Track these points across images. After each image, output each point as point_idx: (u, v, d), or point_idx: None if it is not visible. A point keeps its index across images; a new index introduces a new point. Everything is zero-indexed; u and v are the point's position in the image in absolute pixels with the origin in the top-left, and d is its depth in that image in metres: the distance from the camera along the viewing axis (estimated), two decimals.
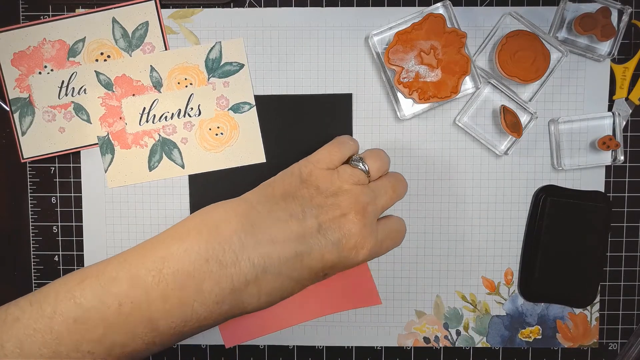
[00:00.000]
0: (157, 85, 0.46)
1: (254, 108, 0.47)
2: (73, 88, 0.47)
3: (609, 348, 0.48)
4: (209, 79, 0.46)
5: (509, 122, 0.44)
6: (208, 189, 0.47)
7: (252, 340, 0.48)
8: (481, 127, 0.47)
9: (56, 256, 0.49)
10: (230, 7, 0.47)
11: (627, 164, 0.47)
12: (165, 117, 0.47)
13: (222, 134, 0.47)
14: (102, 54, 0.46)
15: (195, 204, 0.48)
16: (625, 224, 0.48)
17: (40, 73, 0.46)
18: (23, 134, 0.47)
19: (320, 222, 0.37)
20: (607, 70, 0.46)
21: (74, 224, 0.48)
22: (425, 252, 0.48)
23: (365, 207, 0.37)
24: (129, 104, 0.47)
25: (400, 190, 0.41)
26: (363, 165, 0.39)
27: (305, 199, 0.37)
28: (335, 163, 0.39)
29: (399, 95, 0.46)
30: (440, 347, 0.49)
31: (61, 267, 0.49)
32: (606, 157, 0.47)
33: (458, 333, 0.48)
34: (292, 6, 0.47)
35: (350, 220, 0.37)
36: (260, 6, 0.47)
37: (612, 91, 0.47)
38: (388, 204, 0.40)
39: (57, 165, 0.48)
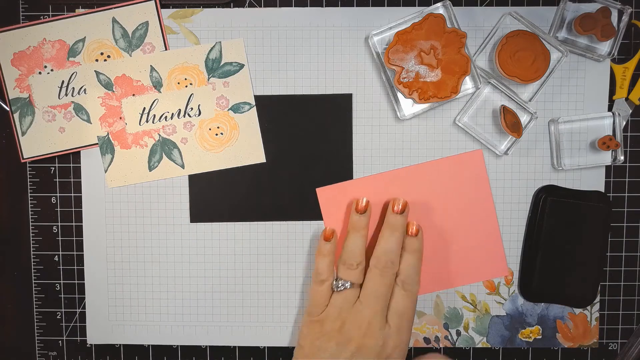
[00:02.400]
0: (157, 85, 0.46)
1: (254, 108, 0.47)
2: (73, 88, 0.47)
3: (609, 348, 0.48)
4: (208, 79, 0.46)
5: (509, 122, 0.44)
6: (208, 189, 0.48)
7: None
8: (481, 127, 0.47)
9: (56, 256, 0.49)
10: (230, 7, 0.47)
11: (627, 164, 0.47)
12: (165, 117, 0.47)
13: (222, 134, 0.47)
14: (102, 54, 0.46)
15: (195, 204, 0.48)
16: (625, 224, 0.48)
17: (40, 73, 0.46)
18: (23, 134, 0.47)
19: None
20: (607, 70, 0.46)
21: (74, 224, 0.48)
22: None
23: None
24: (129, 104, 0.47)
25: None
26: None
27: None
28: None
29: (399, 95, 0.46)
30: (441, 348, 0.49)
31: (61, 267, 0.49)
32: (606, 157, 0.47)
33: (458, 333, 0.48)
34: (292, 6, 0.47)
35: None
36: (260, 6, 0.47)
37: (612, 91, 0.47)
38: None
39: (57, 165, 0.48)
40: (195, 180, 0.48)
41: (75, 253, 0.48)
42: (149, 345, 0.49)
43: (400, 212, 0.44)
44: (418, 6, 0.46)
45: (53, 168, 0.48)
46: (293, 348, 0.49)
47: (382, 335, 0.40)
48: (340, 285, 0.42)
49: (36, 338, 0.49)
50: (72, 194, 0.48)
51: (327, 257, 0.44)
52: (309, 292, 0.44)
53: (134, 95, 0.47)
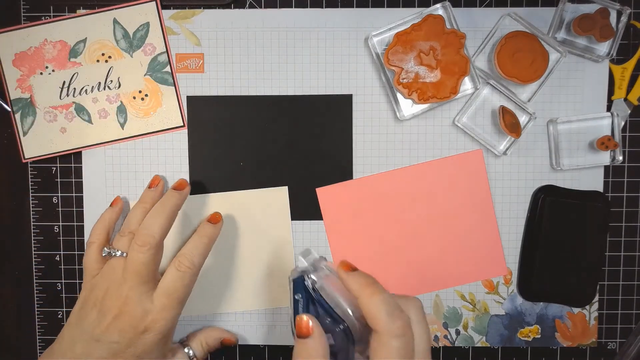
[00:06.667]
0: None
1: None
2: (74, 88, 0.47)
3: (608, 347, 0.49)
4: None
5: (508, 123, 0.45)
6: (208, 191, 0.48)
7: None
8: (480, 128, 0.47)
9: (57, 256, 0.49)
10: (230, 8, 0.47)
11: (626, 164, 0.48)
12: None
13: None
14: (103, 54, 0.47)
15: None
16: (623, 224, 0.48)
17: (41, 73, 0.47)
18: (24, 134, 0.47)
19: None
20: (606, 70, 0.47)
21: (75, 223, 0.48)
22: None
23: None
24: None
25: None
26: None
27: None
28: None
29: (399, 95, 0.46)
30: (440, 347, 0.49)
31: (62, 266, 0.49)
32: (605, 157, 0.47)
33: (457, 332, 0.49)
34: (292, 7, 0.47)
35: None
36: (261, 7, 0.47)
37: (610, 91, 0.47)
38: None
39: (58, 165, 0.48)
40: (197, 182, 0.48)
41: (76, 253, 0.49)
42: None
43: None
44: (417, 7, 0.47)
45: (54, 168, 0.48)
46: (292, 347, 0.49)
47: (142, 309, 0.40)
48: (110, 251, 0.42)
49: (37, 337, 0.49)
50: (74, 194, 0.48)
51: (101, 223, 0.45)
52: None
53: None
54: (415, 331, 0.32)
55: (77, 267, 0.49)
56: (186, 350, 0.45)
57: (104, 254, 0.43)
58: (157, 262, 0.42)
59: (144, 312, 0.40)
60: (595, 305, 0.48)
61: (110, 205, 0.46)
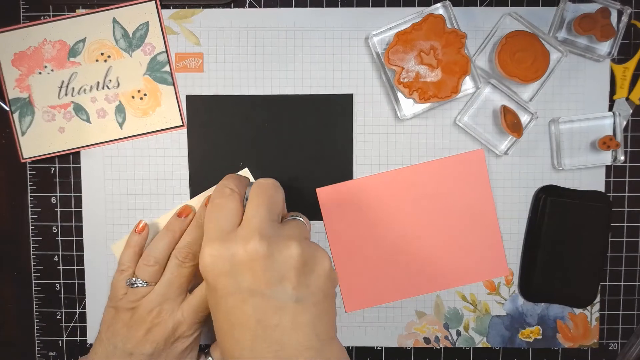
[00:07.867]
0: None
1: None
2: (73, 88, 0.47)
3: (609, 348, 0.48)
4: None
5: (509, 122, 0.44)
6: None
7: (370, 307, 0.48)
8: (481, 127, 0.47)
9: (56, 256, 0.49)
10: (230, 7, 0.47)
11: (628, 164, 0.47)
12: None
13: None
14: (102, 54, 0.46)
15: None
16: (625, 224, 0.48)
17: (40, 73, 0.46)
18: (23, 134, 0.47)
19: None
20: (607, 70, 0.47)
21: (73, 224, 0.48)
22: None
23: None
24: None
25: None
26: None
27: None
28: None
29: (399, 95, 0.46)
30: (441, 348, 0.49)
31: (61, 267, 0.48)
32: (606, 157, 0.47)
33: (458, 333, 0.48)
34: (292, 7, 0.47)
35: None
36: (261, 7, 0.47)
37: (612, 91, 0.47)
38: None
39: (57, 165, 0.48)
40: (197, 182, 0.48)
41: (75, 253, 0.48)
42: None
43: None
44: (418, 6, 0.47)
45: (53, 168, 0.48)
46: None
47: (173, 322, 0.42)
48: (133, 281, 0.43)
49: (36, 338, 0.49)
50: (72, 194, 0.48)
51: (131, 249, 0.45)
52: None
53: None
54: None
55: (75, 267, 0.48)
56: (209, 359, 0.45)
57: (127, 283, 0.44)
58: (194, 275, 0.44)
59: (175, 324, 0.42)
60: (597, 306, 0.48)
61: (136, 232, 0.46)
